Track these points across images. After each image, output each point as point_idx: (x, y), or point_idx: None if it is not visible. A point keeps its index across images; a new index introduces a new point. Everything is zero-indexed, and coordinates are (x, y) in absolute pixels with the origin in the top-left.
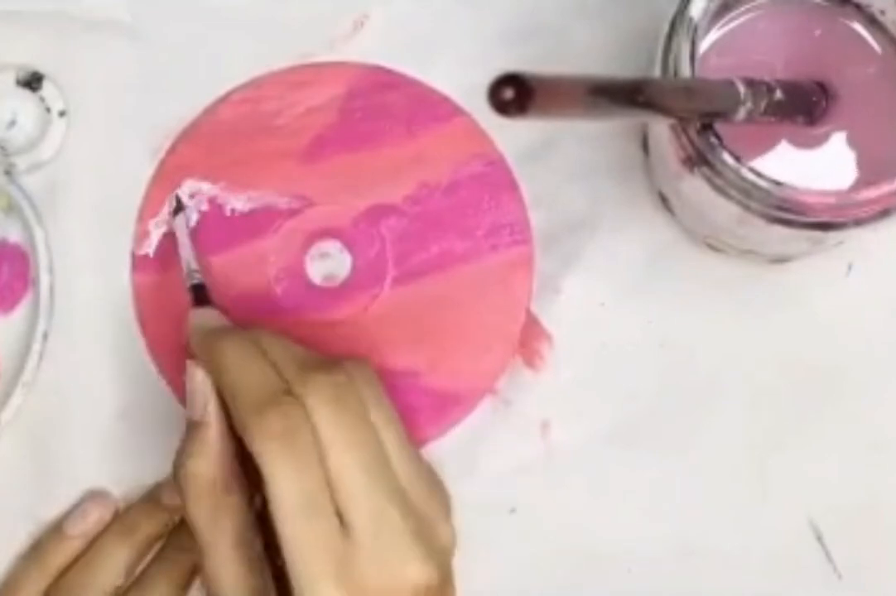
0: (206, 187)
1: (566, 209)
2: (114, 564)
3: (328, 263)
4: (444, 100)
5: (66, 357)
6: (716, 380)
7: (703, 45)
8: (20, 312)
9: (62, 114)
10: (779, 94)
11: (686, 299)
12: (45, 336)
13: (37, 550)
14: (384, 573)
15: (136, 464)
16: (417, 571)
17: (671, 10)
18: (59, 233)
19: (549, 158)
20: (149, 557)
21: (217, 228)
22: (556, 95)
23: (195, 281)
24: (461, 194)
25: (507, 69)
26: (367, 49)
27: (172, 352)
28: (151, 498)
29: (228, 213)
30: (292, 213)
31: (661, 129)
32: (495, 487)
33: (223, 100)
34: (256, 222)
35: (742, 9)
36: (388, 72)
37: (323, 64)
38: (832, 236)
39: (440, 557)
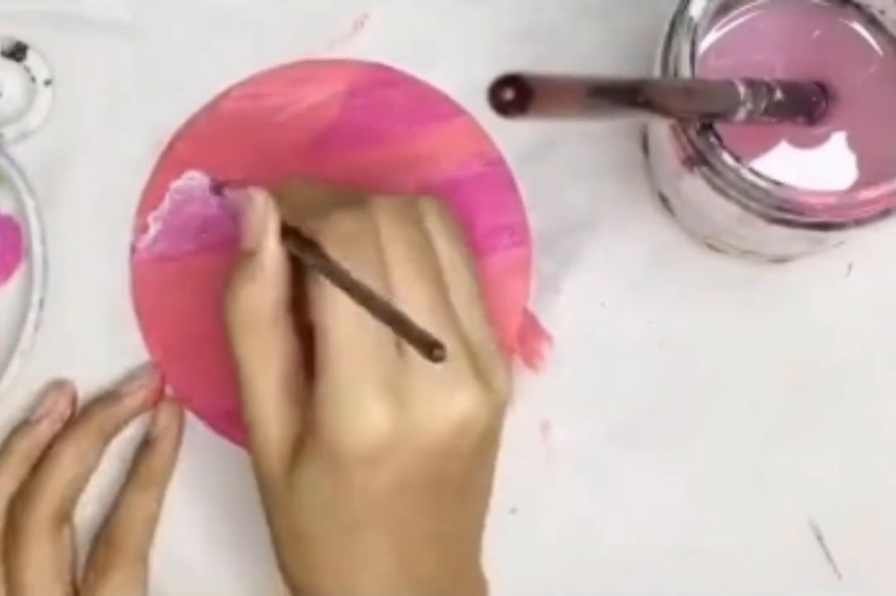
0: (206, 182)
1: (566, 209)
2: (74, 459)
3: None
4: (445, 99)
5: (62, 327)
6: (716, 380)
7: (703, 46)
8: (14, 282)
9: (48, 83)
10: (779, 95)
11: (686, 299)
12: (41, 304)
13: (5, 444)
14: (434, 396)
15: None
16: (468, 401)
17: (671, 10)
18: (55, 215)
19: (549, 158)
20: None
21: (214, 225)
22: (556, 96)
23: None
24: (460, 194)
25: (508, 69)
26: (367, 49)
27: (170, 343)
28: (112, 394)
29: (226, 211)
30: None
31: (661, 129)
32: (495, 487)
33: (224, 95)
34: None
35: (742, 9)
36: (389, 70)
37: (324, 61)
38: (832, 236)
39: (494, 399)
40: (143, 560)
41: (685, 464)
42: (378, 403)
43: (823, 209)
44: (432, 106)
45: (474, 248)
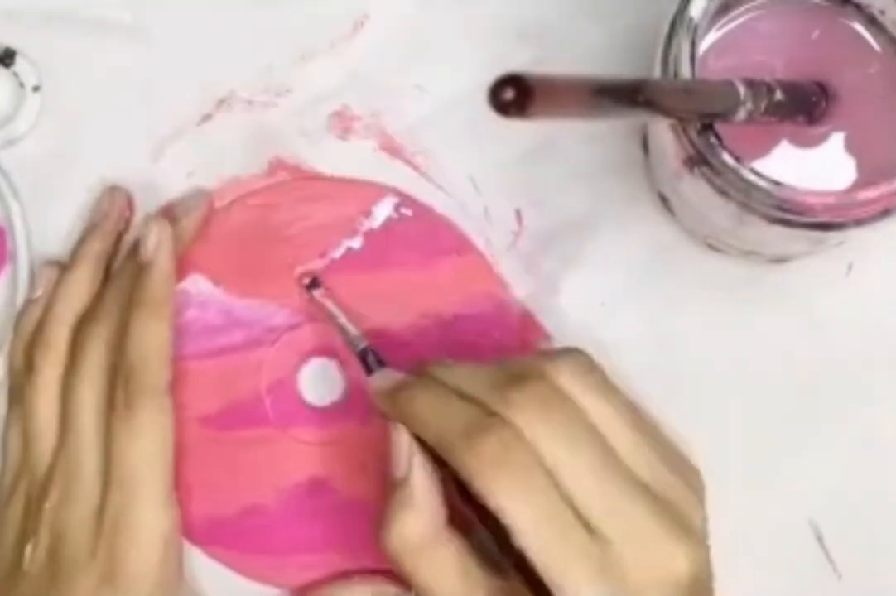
0: (208, 287)
1: (566, 209)
2: (77, 289)
3: (321, 382)
4: (459, 235)
5: None
6: (716, 380)
7: (703, 46)
8: None
9: (36, 89)
10: (779, 95)
11: (686, 299)
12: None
13: (77, 250)
14: (646, 569)
15: None
16: (683, 560)
17: (671, 10)
18: (42, 220)
19: (550, 158)
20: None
21: (213, 332)
22: (556, 96)
23: (361, 347)
24: (464, 330)
25: (508, 69)
26: (367, 49)
27: None
28: (93, 224)
29: (227, 318)
30: (291, 326)
31: (661, 129)
32: None
33: (237, 201)
34: (253, 331)
35: (742, 9)
36: (407, 198)
37: (341, 180)
38: (832, 236)
39: (697, 541)
40: (165, 393)
41: None
42: (592, 589)
43: (823, 209)
44: (446, 240)
45: None
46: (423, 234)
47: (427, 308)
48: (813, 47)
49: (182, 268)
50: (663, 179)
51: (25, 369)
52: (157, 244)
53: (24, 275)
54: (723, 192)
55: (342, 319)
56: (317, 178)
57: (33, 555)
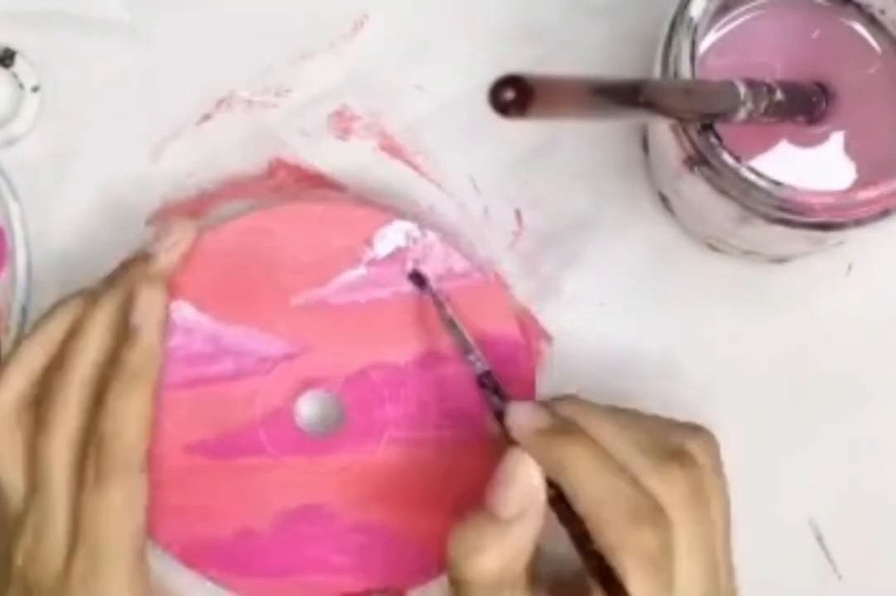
0: (193, 314)
1: (566, 209)
2: (106, 328)
3: (320, 412)
4: (466, 261)
5: None
6: (715, 380)
7: (703, 46)
8: None
9: (35, 89)
10: (779, 95)
11: (686, 299)
12: (24, 310)
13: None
14: None
15: None
16: None
17: (671, 10)
18: (41, 221)
19: (550, 158)
20: None
21: (201, 360)
22: (556, 96)
23: (481, 369)
24: (464, 365)
25: (508, 70)
26: (367, 49)
27: None
28: (143, 255)
29: (215, 346)
30: (286, 356)
31: (661, 129)
32: None
33: (227, 222)
34: (245, 360)
35: (742, 9)
36: (406, 228)
37: (336, 205)
38: (832, 236)
39: None
40: (140, 469)
41: None
42: None
43: (823, 209)
44: (452, 267)
45: (479, 422)
46: (431, 261)
47: (431, 346)
48: (813, 47)
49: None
50: (663, 179)
51: None
52: (148, 310)
53: (22, 276)
54: (723, 192)
55: (457, 330)
56: (307, 207)
57: None
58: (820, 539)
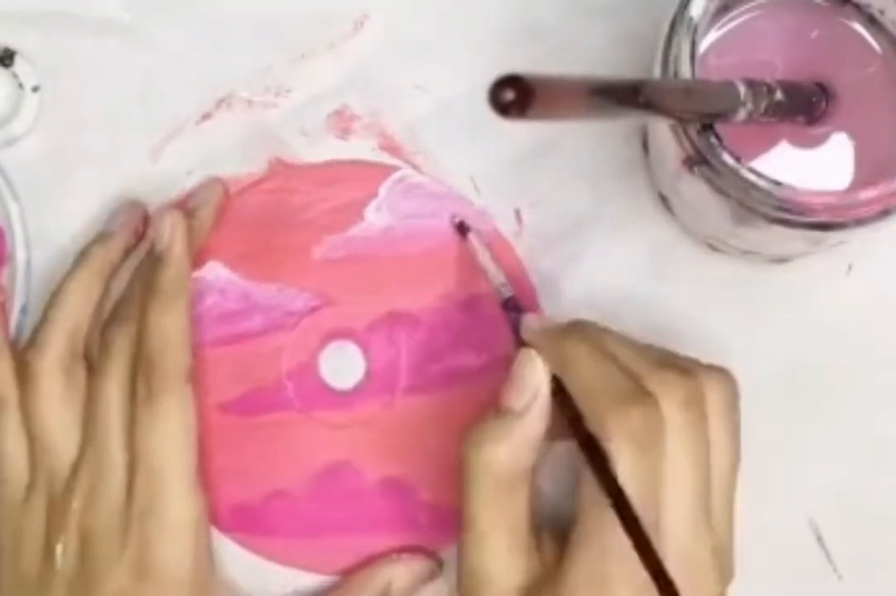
0: (226, 274)
1: (566, 209)
2: (79, 299)
3: (342, 364)
4: (476, 206)
5: None
6: None
7: (703, 46)
8: None
9: (35, 89)
10: (779, 95)
11: (686, 299)
12: (24, 310)
13: (82, 254)
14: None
15: None
16: (710, 591)
17: (671, 10)
18: (41, 221)
19: (550, 158)
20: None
21: (232, 318)
22: (556, 96)
23: (507, 295)
24: (481, 310)
25: (508, 70)
26: (367, 49)
27: None
28: (101, 234)
29: (246, 303)
30: (310, 310)
31: (661, 129)
32: None
33: (251, 188)
34: (273, 316)
35: (742, 9)
36: (416, 176)
37: (352, 162)
38: (832, 236)
39: (726, 587)
40: (187, 380)
41: None
42: None
43: (823, 209)
44: (463, 214)
45: (491, 364)
46: (437, 211)
47: (442, 291)
48: (813, 47)
49: (199, 256)
50: (663, 179)
51: (25, 377)
52: (172, 235)
53: (21, 276)
54: (723, 192)
55: (491, 268)
56: (327, 162)
57: (64, 556)
58: (820, 539)
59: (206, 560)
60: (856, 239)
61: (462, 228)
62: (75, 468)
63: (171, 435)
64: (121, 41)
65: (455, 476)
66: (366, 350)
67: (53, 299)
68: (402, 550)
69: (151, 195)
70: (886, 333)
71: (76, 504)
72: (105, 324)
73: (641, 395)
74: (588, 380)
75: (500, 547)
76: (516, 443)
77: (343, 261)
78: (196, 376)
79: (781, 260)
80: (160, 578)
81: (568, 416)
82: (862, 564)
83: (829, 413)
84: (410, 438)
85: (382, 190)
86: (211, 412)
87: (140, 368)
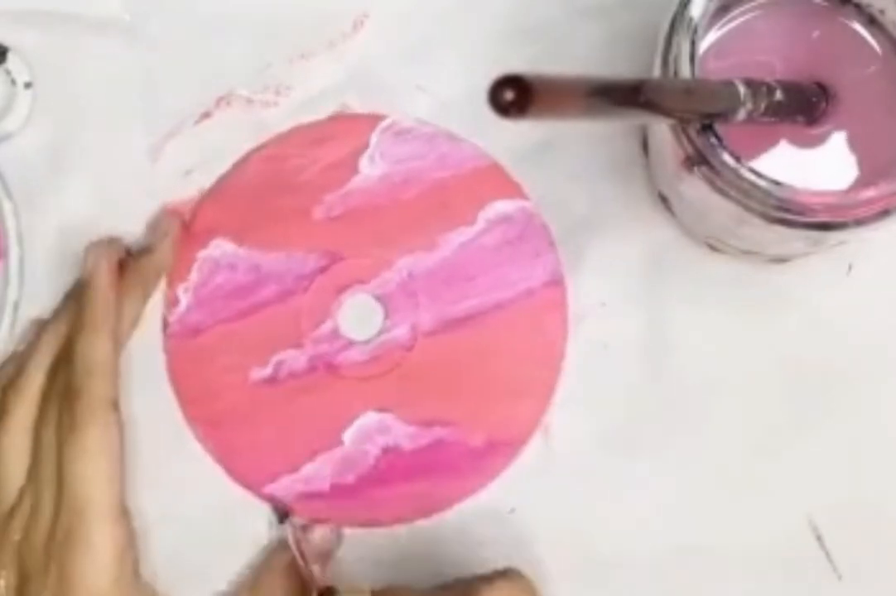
0: (232, 248)
1: (566, 209)
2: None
3: (361, 318)
4: (467, 145)
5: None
6: (716, 380)
7: (703, 46)
8: None
9: (28, 86)
10: (779, 95)
11: (686, 299)
12: (17, 306)
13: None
14: None
15: None
16: None
17: (671, 10)
18: (35, 217)
19: (550, 159)
20: None
21: (245, 290)
22: (556, 96)
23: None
24: (491, 240)
25: (508, 70)
26: (367, 49)
27: (207, 415)
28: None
29: (257, 274)
30: (320, 269)
31: (661, 129)
32: (495, 487)
33: (244, 160)
34: (285, 282)
35: (742, 9)
36: (403, 121)
37: (339, 117)
38: (832, 236)
39: None
40: (111, 408)
41: (685, 464)
42: None
43: (823, 209)
44: (454, 153)
45: (509, 293)
46: (426, 153)
47: (449, 226)
48: (813, 47)
49: (202, 235)
50: (663, 179)
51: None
52: (95, 264)
53: (15, 273)
54: (722, 192)
55: (301, 560)
56: (315, 122)
57: (6, 592)
58: (820, 539)
59: (132, 588)
60: (856, 239)
61: (280, 513)
62: (17, 502)
63: (94, 465)
64: (121, 40)
65: (486, 411)
66: (381, 300)
67: (36, 342)
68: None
69: (150, 194)
70: (886, 332)
71: (16, 537)
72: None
73: None
74: None
75: None
76: None
77: (345, 216)
78: (222, 353)
79: (781, 260)
80: None
81: None
82: (862, 564)
83: (829, 413)
84: (438, 380)
85: (372, 140)
86: (236, 386)
87: (66, 399)
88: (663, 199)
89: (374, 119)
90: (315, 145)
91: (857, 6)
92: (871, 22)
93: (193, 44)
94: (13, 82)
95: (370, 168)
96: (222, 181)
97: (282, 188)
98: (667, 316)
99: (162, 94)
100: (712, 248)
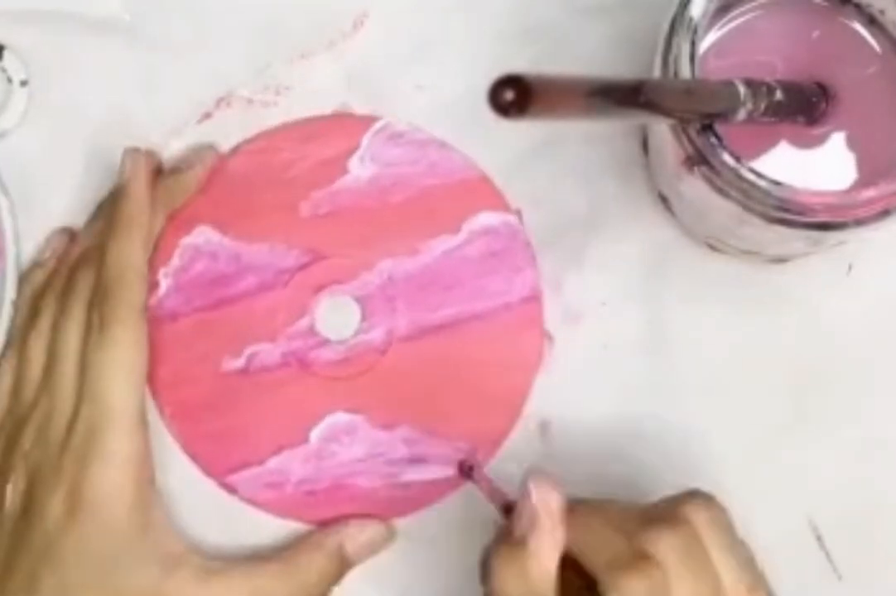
0: (216, 237)
1: (566, 209)
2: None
3: (338, 317)
4: (458, 155)
5: None
6: (715, 380)
7: (703, 46)
8: None
9: (24, 83)
10: (779, 95)
11: (686, 299)
12: (14, 305)
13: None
14: None
15: None
16: None
17: (671, 10)
18: (32, 216)
19: (550, 158)
20: None
21: (225, 280)
22: (556, 96)
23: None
24: (473, 251)
25: (508, 70)
26: (367, 49)
27: (179, 402)
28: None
29: (238, 265)
30: (302, 266)
31: (661, 129)
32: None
33: (235, 151)
34: (265, 275)
35: (742, 9)
36: (397, 124)
37: (333, 116)
38: (832, 236)
39: None
40: (140, 310)
41: (685, 464)
42: None
43: (823, 209)
44: (443, 162)
45: (487, 305)
46: (415, 160)
47: (433, 234)
48: (813, 47)
49: (187, 221)
50: (663, 179)
51: (29, 316)
52: (132, 169)
53: (12, 271)
54: (723, 192)
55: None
56: (308, 119)
57: (13, 495)
58: (820, 539)
59: (148, 496)
60: (856, 239)
61: (465, 470)
62: (31, 407)
63: (119, 364)
64: (121, 39)
65: (455, 421)
66: (360, 301)
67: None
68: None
69: None
70: (886, 332)
71: (25, 442)
72: (72, 267)
73: (639, 560)
74: (585, 545)
75: None
76: (524, 573)
77: (331, 215)
78: (197, 341)
79: (781, 260)
80: (95, 512)
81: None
82: (862, 564)
83: (829, 413)
84: (410, 386)
85: (364, 141)
86: (209, 375)
87: (95, 299)
88: (663, 199)
89: (367, 120)
90: (306, 141)
91: (857, 6)
92: (871, 22)
93: (193, 44)
94: (9, 80)
95: (360, 169)
96: (211, 171)
97: (270, 182)
98: (667, 316)
99: (162, 95)
100: (712, 248)
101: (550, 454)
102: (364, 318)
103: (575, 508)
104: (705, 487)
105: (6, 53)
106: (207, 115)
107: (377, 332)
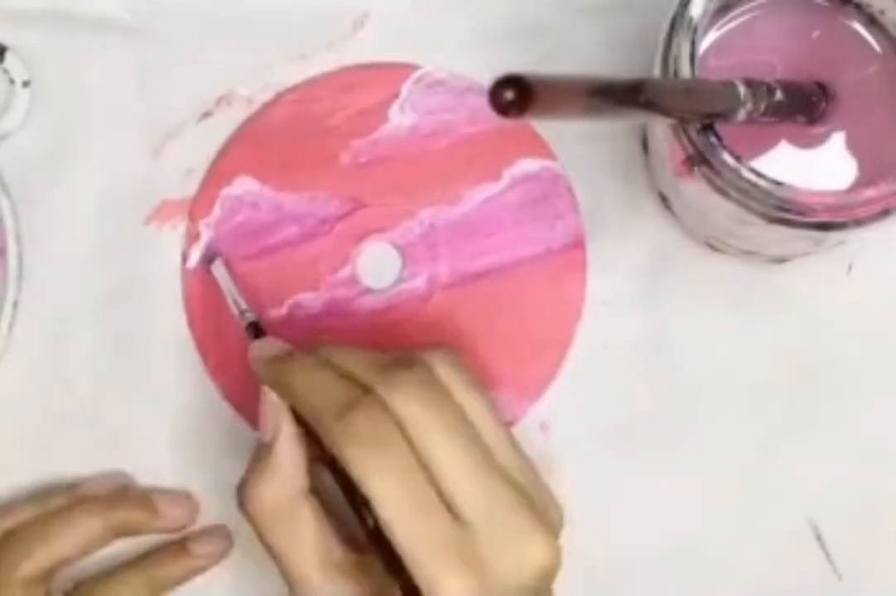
0: (256, 187)
1: None
2: (77, 532)
3: (379, 265)
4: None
5: (37, 329)
6: (716, 380)
7: (703, 46)
8: None
9: (26, 84)
10: (779, 95)
11: (686, 299)
12: (16, 305)
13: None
14: (508, 556)
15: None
16: (541, 550)
17: (671, 10)
18: (34, 216)
19: None
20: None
21: (266, 230)
22: (556, 96)
23: (249, 320)
24: (514, 197)
25: (508, 70)
26: (367, 49)
27: (222, 351)
28: (146, 499)
29: (279, 214)
30: (343, 215)
31: (661, 129)
32: None
33: (274, 101)
34: (307, 225)
35: (742, 9)
36: (437, 72)
37: (372, 65)
38: (832, 236)
39: (554, 536)
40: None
41: (685, 464)
42: (452, 576)
43: (823, 209)
44: (483, 108)
45: (529, 251)
46: (456, 107)
47: (475, 181)
48: (813, 47)
49: (228, 172)
50: (663, 179)
51: None
52: (208, 554)
53: (13, 272)
54: (723, 192)
55: (232, 294)
56: (348, 68)
57: None
58: (820, 539)
59: None
60: (856, 239)
61: (205, 259)
62: None
63: None
64: (121, 39)
65: (502, 365)
66: (401, 249)
67: None
68: None
69: (150, 193)
70: (886, 333)
71: None
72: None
73: (357, 398)
74: (306, 397)
75: (311, 573)
76: (278, 474)
77: (371, 164)
78: (243, 292)
79: (781, 260)
80: None
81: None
82: (862, 564)
83: (828, 413)
84: (453, 332)
85: (404, 89)
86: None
87: None
88: (663, 199)
89: (407, 69)
90: (346, 91)
91: (857, 6)
92: (871, 22)
93: (193, 44)
94: (11, 81)
95: (400, 117)
96: (251, 121)
97: (310, 131)
98: (667, 315)
99: (163, 94)
100: (712, 248)
101: (550, 454)
102: (405, 266)
103: (299, 358)
104: (705, 486)
105: (8, 55)
106: (208, 115)
107: (419, 280)
